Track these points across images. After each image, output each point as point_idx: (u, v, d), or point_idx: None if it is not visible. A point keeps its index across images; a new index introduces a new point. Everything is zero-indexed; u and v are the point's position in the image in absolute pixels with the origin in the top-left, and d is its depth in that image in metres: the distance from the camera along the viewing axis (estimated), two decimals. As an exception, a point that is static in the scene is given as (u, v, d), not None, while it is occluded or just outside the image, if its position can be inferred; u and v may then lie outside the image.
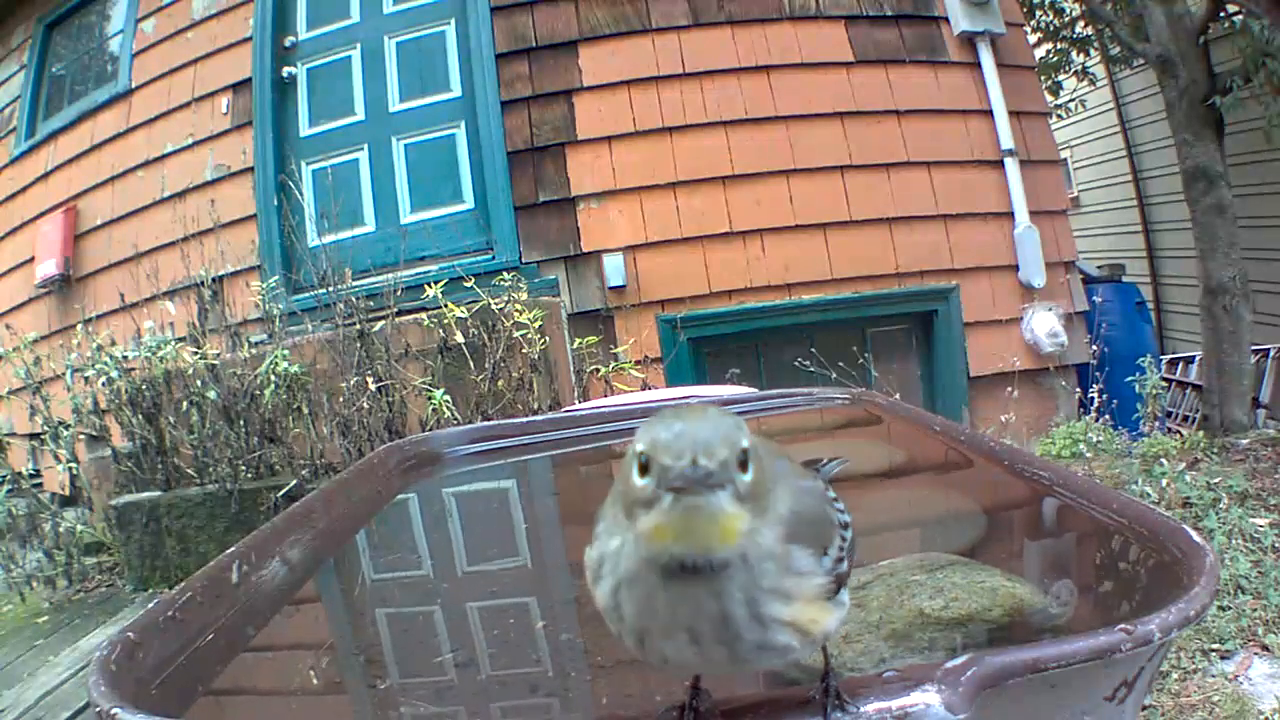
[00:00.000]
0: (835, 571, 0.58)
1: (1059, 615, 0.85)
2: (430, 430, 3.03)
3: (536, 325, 3.41)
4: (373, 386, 3.38)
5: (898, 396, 3.23)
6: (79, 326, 3.99)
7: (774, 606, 0.53)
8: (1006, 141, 4.29)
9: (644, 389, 3.66)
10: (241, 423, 3.44)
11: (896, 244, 4.21)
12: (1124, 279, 6.09)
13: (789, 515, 0.55)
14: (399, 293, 3.65)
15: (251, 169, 4.42)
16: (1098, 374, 3.85)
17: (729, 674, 0.62)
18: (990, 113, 4.32)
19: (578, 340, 3.86)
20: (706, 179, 4.17)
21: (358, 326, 3.50)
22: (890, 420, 1.71)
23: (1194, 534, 0.76)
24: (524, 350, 3.41)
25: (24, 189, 5.24)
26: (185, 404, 3.47)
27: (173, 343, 3.62)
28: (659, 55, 4.25)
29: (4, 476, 3.66)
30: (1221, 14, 4.74)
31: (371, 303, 3.64)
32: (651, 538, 0.52)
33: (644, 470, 0.52)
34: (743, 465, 0.52)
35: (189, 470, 3.48)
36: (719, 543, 0.52)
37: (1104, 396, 3.76)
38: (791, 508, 0.55)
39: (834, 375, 3.84)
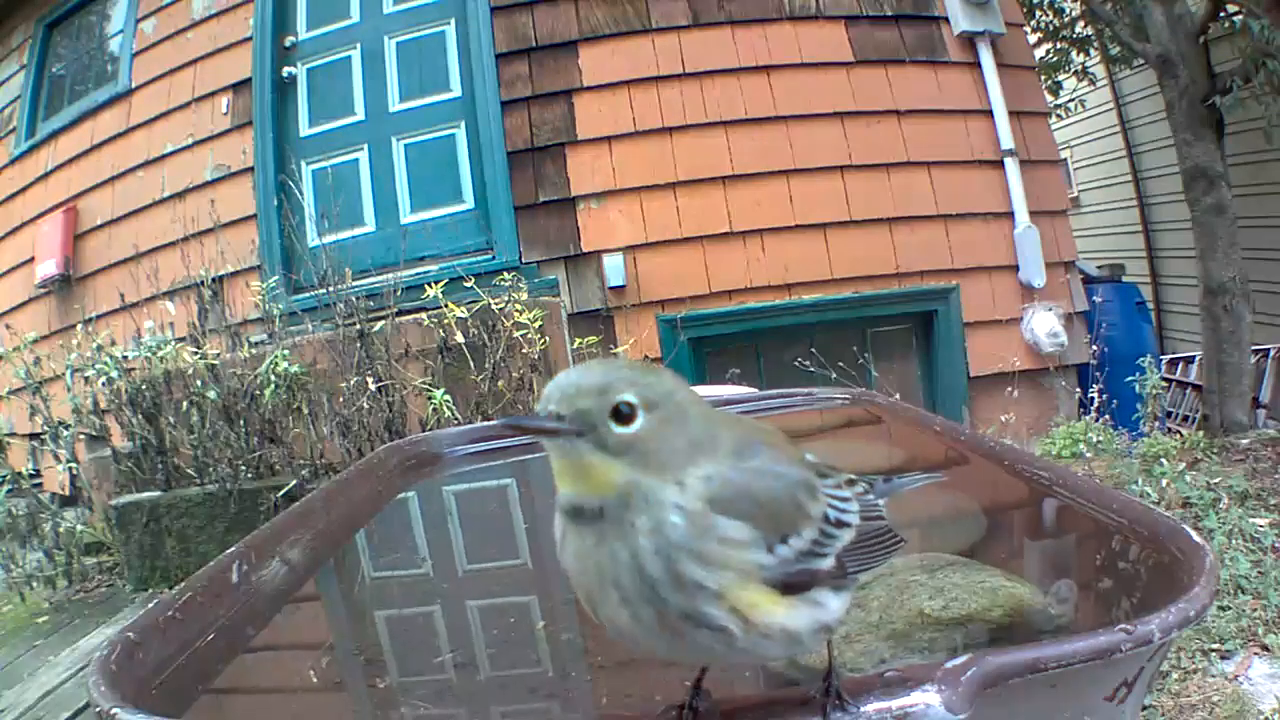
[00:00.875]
0: (800, 565, 0.56)
1: (1059, 615, 0.85)
2: (430, 430, 3.03)
3: (536, 325, 3.41)
4: (373, 386, 3.38)
5: (898, 396, 3.23)
6: (79, 326, 3.99)
7: (691, 567, 0.52)
8: (1006, 141, 4.29)
9: (644, 389, 3.65)
10: (241, 423, 3.44)
11: (896, 244, 4.21)
12: (1124, 279, 6.08)
13: (718, 485, 0.54)
14: (399, 293, 3.65)
15: (251, 169, 4.42)
16: (1098, 374, 3.85)
17: (689, 661, 0.61)
18: (990, 113, 4.32)
19: (578, 340, 3.85)
20: (706, 179, 4.17)
21: (358, 326, 3.50)
22: (890, 420, 1.71)
23: (1194, 534, 0.76)
24: (524, 350, 3.41)
25: (24, 189, 5.24)
26: (185, 404, 3.47)
27: (173, 343, 3.61)
28: (659, 55, 4.25)
29: (4, 476, 3.66)
30: (1221, 14, 4.73)
31: (371, 303, 3.63)
32: (557, 482, 0.55)
33: (547, 418, 0.55)
34: (623, 418, 0.54)
35: (189, 470, 3.47)
36: (588, 488, 0.54)
37: (1104, 396, 3.76)
38: (727, 479, 0.55)
39: (834, 375, 3.83)
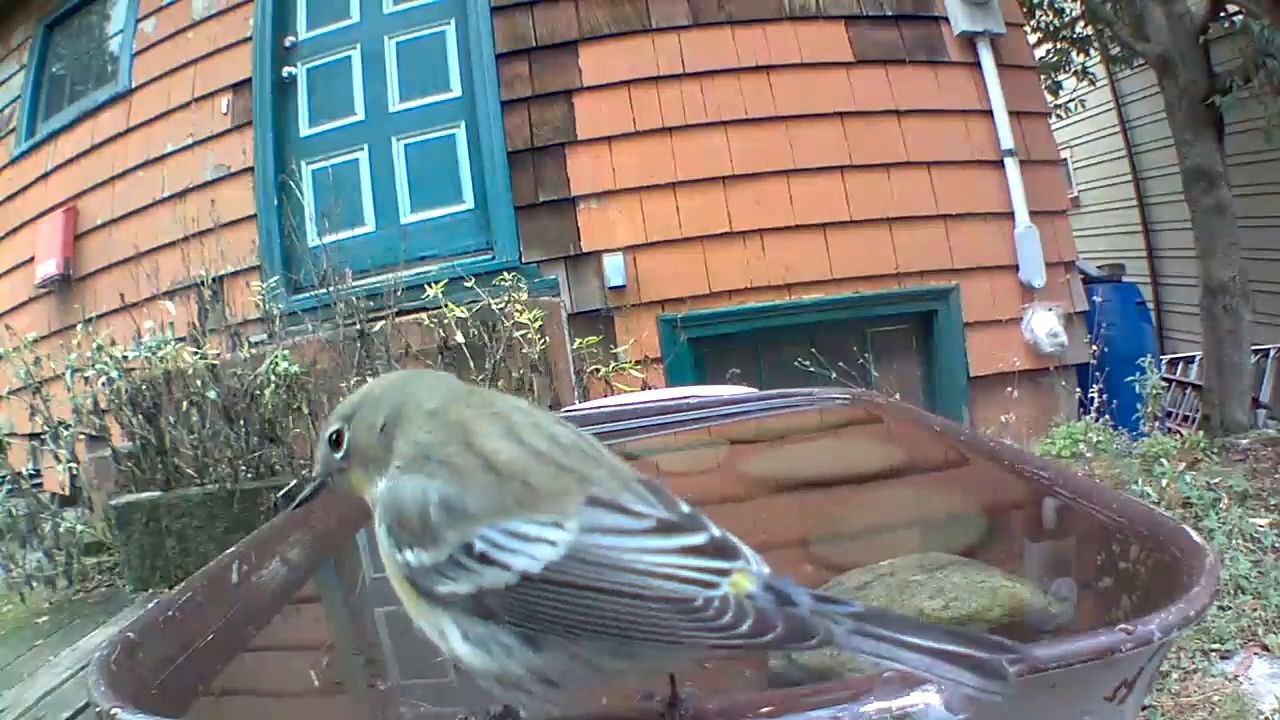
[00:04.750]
0: (423, 579, 0.57)
1: (1059, 615, 0.85)
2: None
3: (536, 325, 3.41)
4: (373, 386, 3.37)
5: (898, 396, 3.23)
6: (79, 326, 3.98)
7: (385, 562, 0.60)
8: (1006, 141, 4.29)
9: (644, 389, 3.66)
10: (241, 423, 3.44)
11: (896, 244, 4.21)
12: (1124, 279, 6.09)
13: (389, 493, 0.61)
14: (399, 293, 3.65)
15: (251, 169, 4.42)
16: (1098, 374, 3.85)
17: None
18: (990, 113, 4.32)
19: (578, 340, 3.85)
20: (706, 179, 4.17)
21: (358, 326, 3.49)
22: (890, 420, 1.71)
23: (1194, 534, 0.76)
24: (524, 350, 3.41)
25: (24, 189, 5.24)
26: (185, 404, 3.47)
27: (173, 343, 3.61)
28: (659, 55, 4.25)
29: (4, 476, 3.66)
30: (1221, 14, 4.73)
31: (371, 303, 3.63)
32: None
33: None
34: (336, 444, 0.66)
35: (189, 470, 3.47)
36: (360, 494, 0.66)
37: (1104, 396, 3.76)
38: (392, 488, 0.61)
39: (834, 375, 3.84)
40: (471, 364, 3.44)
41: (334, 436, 0.66)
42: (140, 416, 3.51)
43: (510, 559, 0.53)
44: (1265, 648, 2.20)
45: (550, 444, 0.58)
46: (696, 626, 0.50)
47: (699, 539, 0.53)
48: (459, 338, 3.43)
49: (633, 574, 0.51)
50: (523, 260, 4.11)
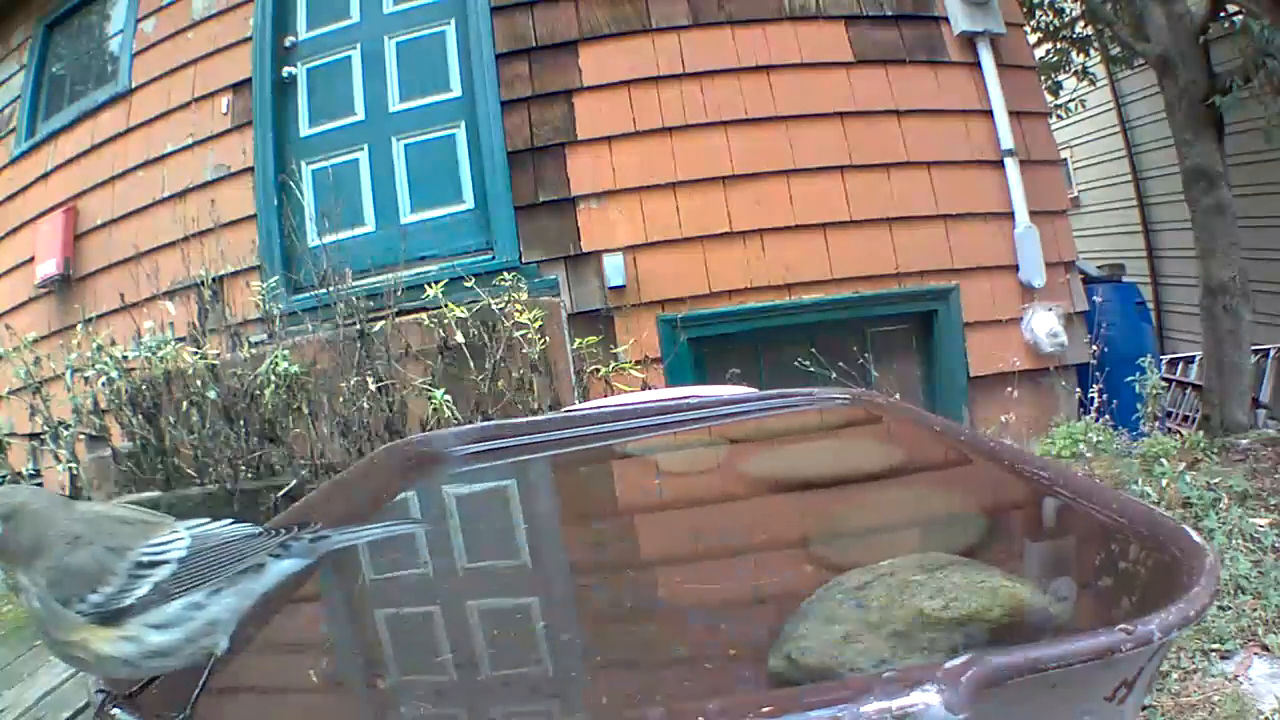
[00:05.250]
0: (113, 604, 0.76)
1: (1059, 615, 0.85)
2: (430, 430, 3.03)
3: (536, 325, 3.41)
4: (373, 386, 3.38)
5: (898, 396, 3.23)
6: (79, 326, 3.98)
7: (50, 629, 0.76)
8: (1006, 141, 4.29)
9: (644, 389, 3.66)
10: (241, 423, 3.44)
11: (896, 244, 4.21)
12: (1124, 279, 6.09)
13: (53, 570, 0.76)
14: (399, 293, 3.65)
15: (251, 169, 4.41)
16: (1098, 374, 3.85)
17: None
18: (990, 113, 4.32)
19: (578, 340, 3.85)
20: (706, 179, 4.17)
21: (358, 326, 3.49)
22: (890, 420, 1.71)
23: (1194, 534, 0.76)
24: (524, 350, 3.41)
25: (24, 189, 5.23)
26: (185, 404, 3.47)
27: (173, 343, 3.61)
28: (659, 55, 4.25)
29: (4, 476, 3.66)
30: (1221, 14, 4.73)
31: (371, 303, 3.63)
32: None
33: None
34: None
35: (189, 470, 3.47)
36: (12, 561, 0.78)
37: (1104, 396, 3.76)
38: (56, 565, 0.77)
39: (834, 375, 3.84)
40: (471, 364, 3.44)
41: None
42: (140, 416, 3.52)
43: (166, 556, 0.81)
44: (1265, 648, 2.20)
45: (128, 510, 0.88)
46: (259, 547, 0.85)
47: (255, 529, 0.88)
48: (459, 338, 3.43)
49: (230, 540, 0.85)
50: (523, 260, 4.11)
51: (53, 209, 4.96)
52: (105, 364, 3.58)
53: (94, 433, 3.78)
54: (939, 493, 1.42)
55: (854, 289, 4.17)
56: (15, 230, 5.23)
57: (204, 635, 0.79)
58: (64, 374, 3.80)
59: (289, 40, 4.53)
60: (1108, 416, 3.72)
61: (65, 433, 3.74)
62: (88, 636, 0.75)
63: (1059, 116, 8.11)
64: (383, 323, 3.55)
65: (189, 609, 0.79)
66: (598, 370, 3.79)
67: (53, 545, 0.78)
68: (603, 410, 2.00)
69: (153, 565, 0.80)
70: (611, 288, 4.05)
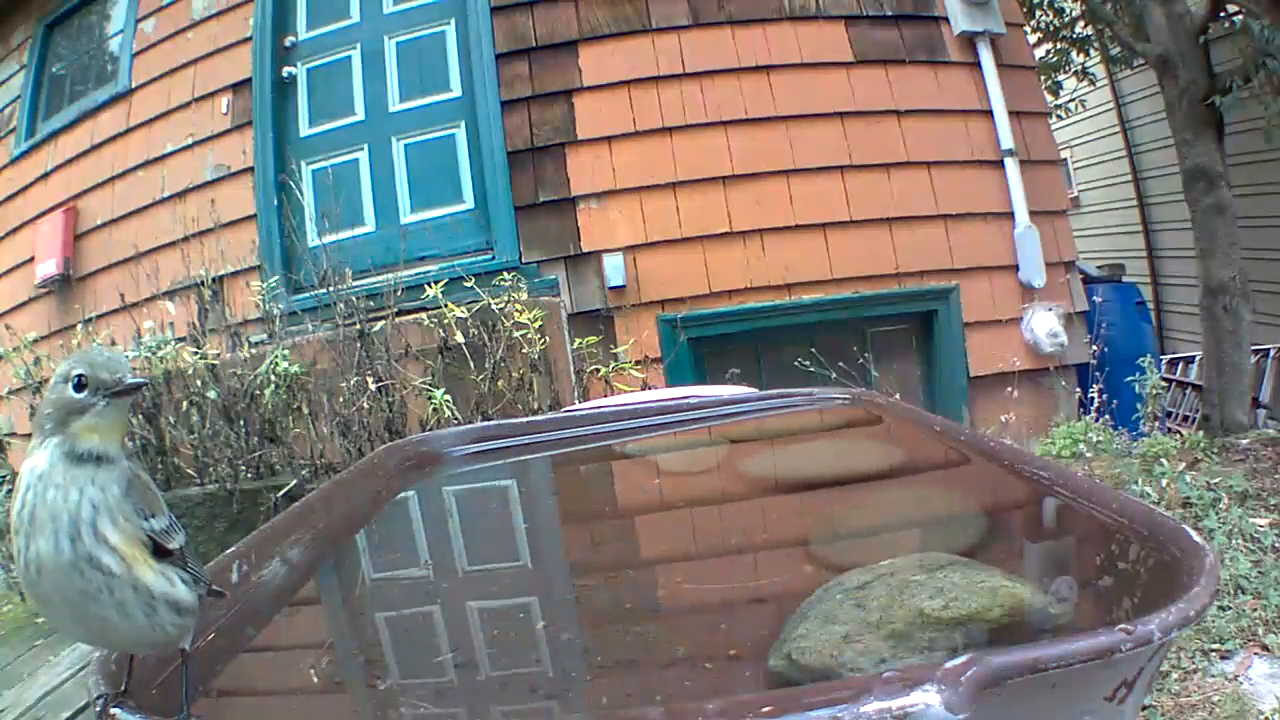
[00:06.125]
0: (164, 540, 0.74)
1: (1059, 615, 0.85)
2: (430, 430, 3.03)
3: (536, 325, 3.41)
4: (373, 386, 3.38)
5: (898, 396, 3.23)
6: (79, 326, 3.98)
7: (106, 524, 0.70)
8: (1006, 141, 4.29)
9: (644, 389, 3.66)
10: (241, 423, 3.44)
11: (896, 244, 4.21)
12: (1124, 279, 6.08)
13: (128, 479, 0.74)
14: (399, 293, 3.64)
15: (251, 169, 4.41)
16: (1098, 374, 3.85)
17: (79, 633, 0.76)
18: (990, 113, 4.32)
19: (578, 340, 3.85)
20: (706, 179, 4.17)
21: (358, 326, 3.49)
22: (890, 420, 1.71)
23: (1194, 534, 0.76)
24: (524, 350, 3.41)
25: (24, 189, 5.23)
26: (185, 404, 3.47)
27: (173, 343, 3.61)
28: (659, 55, 4.25)
29: (4, 476, 3.66)
30: (1221, 14, 4.73)
31: (371, 303, 3.63)
32: (83, 435, 0.72)
33: (81, 387, 0.73)
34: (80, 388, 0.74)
35: (189, 470, 3.47)
36: (118, 440, 0.75)
37: (1104, 396, 3.76)
38: (131, 475, 0.75)
39: (834, 375, 3.84)
40: (471, 364, 3.44)
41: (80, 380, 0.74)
42: (140, 416, 3.51)
43: (178, 532, 0.79)
44: (1265, 648, 2.20)
45: None
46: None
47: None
48: (459, 338, 3.43)
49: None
50: (523, 260, 4.11)
51: (53, 209, 4.95)
52: (105, 364, 3.57)
53: (94, 433, 3.77)
54: (939, 493, 1.42)
55: (854, 289, 4.17)
56: (15, 230, 5.23)
57: (192, 619, 0.78)
58: (64, 374, 3.79)
59: (289, 40, 4.53)
60: (1108, 416, 3.72)
61: (65, 433, 3.73)
62: (138, 554, 0.72)
63: (1059, 116, 8.11)
64: (383, 323, 3.55)
65: (197, 585, 0.79)
66: (598, 370, 3.78)
67: (119, 459, 0.75)
68: (603, 410, 2.00)
69: (179, 529, 0.80)
70: (611, 288, 4.05)
